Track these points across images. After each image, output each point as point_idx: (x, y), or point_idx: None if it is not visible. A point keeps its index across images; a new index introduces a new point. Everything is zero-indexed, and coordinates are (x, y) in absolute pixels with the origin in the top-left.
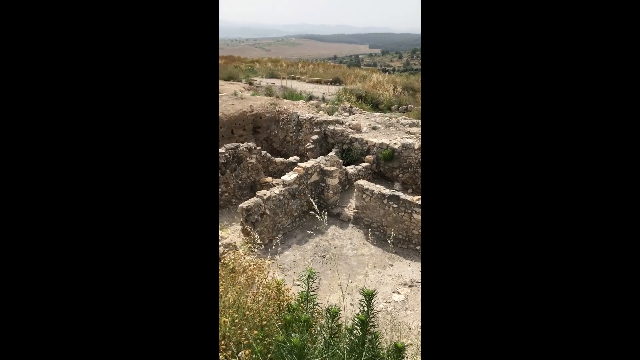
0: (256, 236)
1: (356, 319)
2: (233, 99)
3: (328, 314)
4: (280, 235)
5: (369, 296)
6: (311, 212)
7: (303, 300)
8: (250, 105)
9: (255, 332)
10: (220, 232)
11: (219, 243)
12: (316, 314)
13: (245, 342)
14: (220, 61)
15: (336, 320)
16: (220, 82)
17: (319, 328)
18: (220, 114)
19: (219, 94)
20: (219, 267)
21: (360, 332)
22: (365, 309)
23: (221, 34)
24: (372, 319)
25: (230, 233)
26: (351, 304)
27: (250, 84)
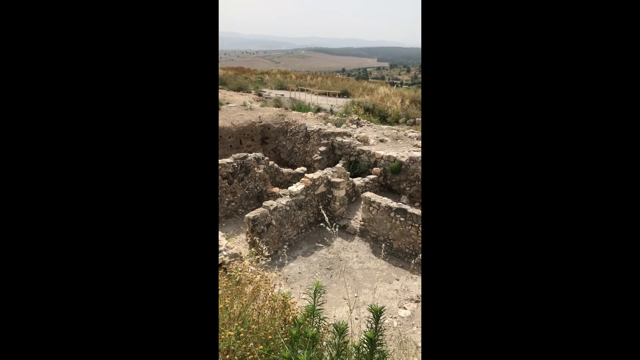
0: (264, 248)
1: (364, 337)
2: (242, 109)
3: (335, 330)
4: (285, 247)
5: (377, 313)
6: (322, 224)
7: (309, 314)
8: (259, 116)
9: (261, 346)
10: (226, 241)
11: (225, 253)
12: (322, 328)
13: (250, 357)
14: (230, 72)
15: (343, 337)
16: (230, 92)
17: (324, 343)
18: (229, 124)
19: (229, 105)
20: (225, 278)
21: (368, 351)
22: (373, 326)
23: (232, 46)
24: (380, 337)
25: (236, 243)
26: (356, 318)
27: (260, 95)
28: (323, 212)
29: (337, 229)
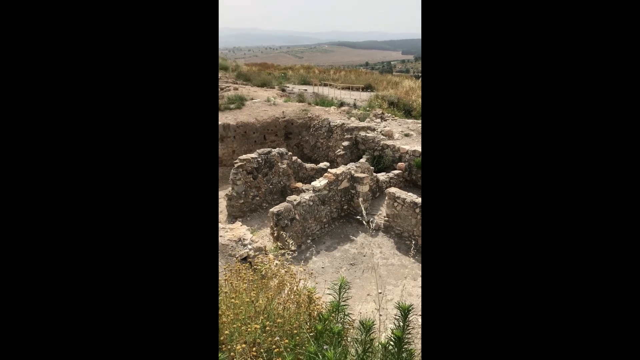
0: (291, 242)
1: (392, 335)
2: (266, 105)
3: (361, 326)
4: (309, 241)
5: (405, 311)
6: (344, 219)
7: (334, 310)
8: (283, 112)
9: (286, 340)
10: (251, 235)
11: (250, 247)
12: (346, 324)
13: (275, 351)
14: (254, 68)
15: (369, 334)
16: (254, 88)
17: (349, 339)
18: (253, 120)
19: (253, 100)
20: (250, 272)
21: (396, 349)
22: (400, 323)
23: (255, 42)
24: (408, 335)
25: (260, 237)
26: (380, 315)
27: (283, 90)
28: (361, 206)
29: (373, 223)
